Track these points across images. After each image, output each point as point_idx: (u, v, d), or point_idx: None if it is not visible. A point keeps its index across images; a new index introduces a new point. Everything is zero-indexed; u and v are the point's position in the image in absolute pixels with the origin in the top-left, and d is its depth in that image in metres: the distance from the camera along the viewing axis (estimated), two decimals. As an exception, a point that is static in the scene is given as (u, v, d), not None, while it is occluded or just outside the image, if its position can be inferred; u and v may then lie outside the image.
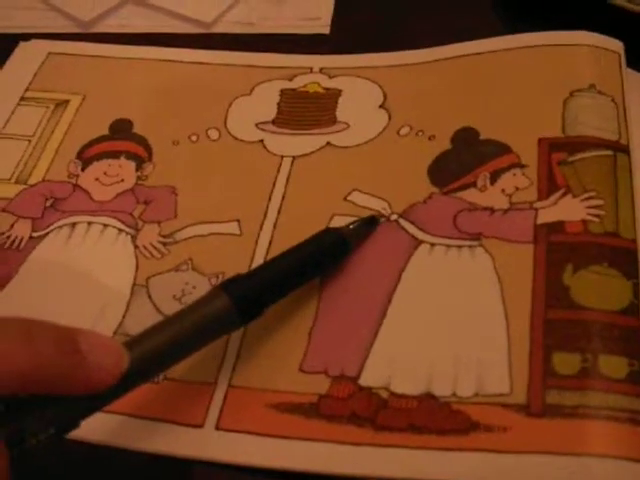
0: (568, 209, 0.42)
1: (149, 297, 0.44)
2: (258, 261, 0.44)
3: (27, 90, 0.55)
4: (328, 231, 0.44)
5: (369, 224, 0.45)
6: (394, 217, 0.45)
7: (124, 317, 0.43)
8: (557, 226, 0.42)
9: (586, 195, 0.42)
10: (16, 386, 0.31)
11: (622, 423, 0.35)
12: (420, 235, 0.44)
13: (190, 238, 0.46)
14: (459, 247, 0.43)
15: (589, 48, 0.49)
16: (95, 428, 0.39)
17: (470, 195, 0.45)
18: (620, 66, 0.48)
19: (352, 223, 0.44)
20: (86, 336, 0.33)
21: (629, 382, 0.37)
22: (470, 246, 0.43)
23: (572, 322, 0.38)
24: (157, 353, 0.35)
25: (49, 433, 0.32)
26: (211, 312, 0.37)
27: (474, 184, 0.45)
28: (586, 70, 0.48)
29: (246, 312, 0.38)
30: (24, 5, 0.61)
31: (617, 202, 0.42)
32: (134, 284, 0.45)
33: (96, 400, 0.33)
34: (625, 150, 0.45)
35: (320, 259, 0.43)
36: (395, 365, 0.39)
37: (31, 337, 0.31)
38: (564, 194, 0.43)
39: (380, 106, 0.51)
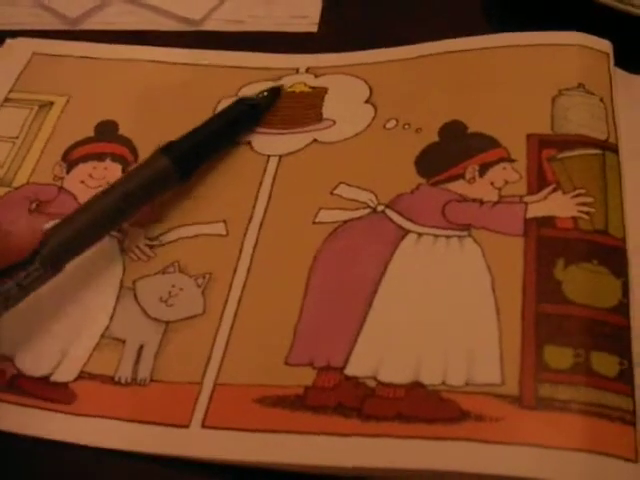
0: (558, 205, 0.42)
1: (136, 300, 0.44)
2: (245, 259, 0.44)
3: (11, 91, 0.54)
4: (240, 100, 0.51)
5: (275, 93, 0.52)
6: (380, 208, 0.45)
7: (111, 320, 0.43)
8: (547, 221, 0.42)
9: (576, 192, 0.42)
10: None
11: (611, 421, 0.35)
12: (407, 225, 0.44)
13: (176, 240, 0.46)
14: (447, 237, 0.43)
15: (578, 48, 0.49)
16: (83, 432, 0.39)
17: (458, 187, 0.45)
18: (608, 66, 0.48)
19: (260, 92, 0.51)
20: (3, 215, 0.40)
21: (619, 381, 0.37)
22: (459, 236, 0.43)
23: (564, 317, 0.38)
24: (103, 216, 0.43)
25: None
26: (154, 172, 0.45)
27: (462, 176, 0.45)
28: (574, 69, 0.48)
29: (183, 170, 0.46)
30: (9, 1, 0.61)
31: (606, 201, 0.42)
32: (121, 287, 0.44)
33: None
34: (614, 149, 0.45)
35: (237, 123, 0.50)
36: (382, 354, 0.39)
37: None
38: (554, 190, 0.43)
39: (366, 101, 0.51)
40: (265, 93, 0.52)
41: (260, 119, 0.51)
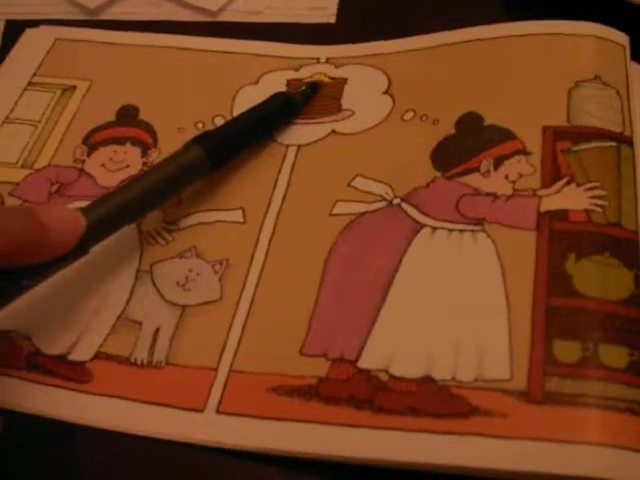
0: (571, 198, 0.42)
1: (153, 283, 0.44)
2: (262, 248, 0.45)
3: (34, 75, 0.55)
4: (278, 94, 0.51)
5: (313, 89, 0.52)
6: (396, 201, 0.45)
7: (127, 303, 0.44)
8: (560, 214, 0.42)
9: (590, 185, 0.42)
10: None
11: (621, 413, 0.35)
12: (422, 219, 0.44)
13: (195, 225, 0.46)
14: (461, 231, 0.43)
15: (594, 39, 0.49)
16: (97, 413, 0.40)
17: (473, 180, 0.45)
18: (625, 59, 0.48)
19: (298, 87, 0.52)
20: (45, 209, 0.39)
21: (629, 372, 0.37)
22: (472, 231, 0.43)
23: (574, 310, 0.38)
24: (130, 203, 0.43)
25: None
26: (187, 162, 0.45)
27: (477, 169, 0.45)
28: (591, 61, 0.48)
29: (215, 160, 0.46)
30: (30, -8, 0.62)
31: (620, 193, 0.42)
32: (138, 270, 0.45)
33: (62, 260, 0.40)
34: (629, 142, 0.45)
35: (272, 118, 0.50)
36: (395, 348, 0.40)
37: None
38: (568, 182, 0.43)
39: (385, 92, 0.51)
40: (303, 87, 0.52)
41: (296, 114, 0.51)
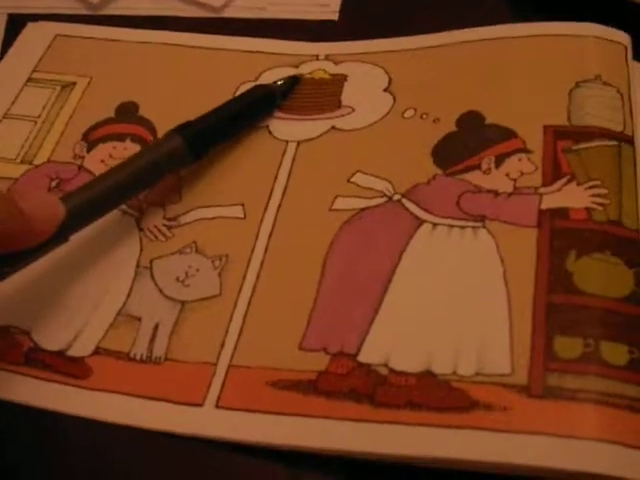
0: (572, 196, 0.42)
1: (152, 279, 0.44)
2: (261, 243, 0.45)
3: (34, 71, 0.55)
4: (258, 87, 0.52)
5: (293, 81, 0.52)
6: (397, 197, 0.45)
7: (127, 298, 0.44)
8: (561, 212, 0.42)
9: (590, 183, 0.43)
10: None
11: (621, 409, 0.35)
12: (422, 215, 0.44)
13: (194, 221, 0.46)
14: (462, 228, 0.43)
15: (595, 39, 0.49)
16: (97, 408, 0.40)
17: (474, 177, 0.45)
18: (626, 58, 0.49)
19: (278, 80, 0.52)
20: (23, 195, 0.38)
21: (629, 369, 0.37)
22: (473, 227, 0.43)
23: (575, 307, 0.38)
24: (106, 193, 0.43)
25: None
26: (167, 150, 0.46)
27: (478, 167, 0.45)
28: (592, 61, 0.48)
29: (195, 149, 0.47)
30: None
31: (621, 192, 0.42)
32: (138, 266, 0.45)
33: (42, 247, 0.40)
34: (630, 141, 0.45)
35: (253, 109, 0.51)
36: (395, 342, 0.40)
37: None
38: (569, 181, 0.43)
39: (385, 90, 0.51)
40: (282, 81, 0.52)
41: (276, 106, 0.51)
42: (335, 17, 0.58)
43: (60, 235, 0.40)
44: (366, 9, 0.58)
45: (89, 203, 0.42)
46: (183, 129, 0.46)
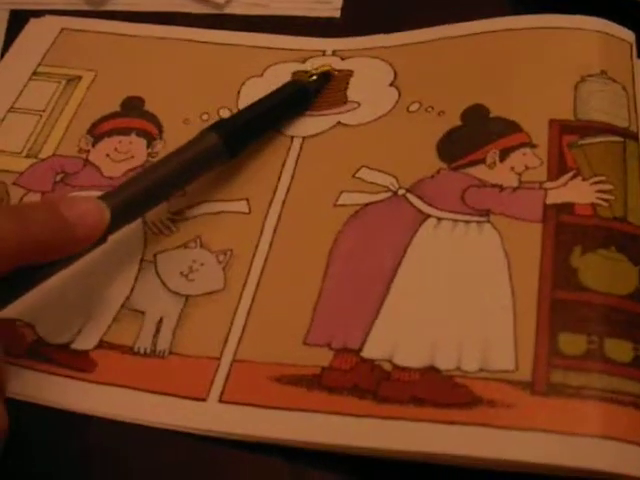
0: (578, 191, 0.42)
1: (157, 273, 0.44)
2: (266, 238, 0.44)
3: (39, 65, 0.55)
4: (290, 83, 0.51)
5: (325, 77, 0.52)
6: (401, 192, 0.45)
7: (131, 292, 0.44)
8: (566, 207, 0.42)
9: (596, 179, 0.43)
10: (15, 261, 0.36)
11: (624, 406, 0.35)
12: (427, 209, 0.44)
13: (199, 216, 0.46)
14: (467, 222, 0.43)
15: (601, 34, 0.49)
16: (100, 402, 0.40)
17: (479, 171, 0.45)
18: (631, 56, 0.48)
19: (311, 76, 0.52)
20: (67, 202, 0.39)
21: (633, 366, 0.37)
22: (478, 222, 0.43)
23: (579, 303, 0.38)
24: (143, 194, 0.43)
25: None
26: (203, 148, 0.45)
27: (483, 161, 0.45)
28: (598, 56, 0.48)
29: (231, 147, 0.46)
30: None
31: (626, 188, 0.42)
32: (142, 260, 0.45)
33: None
34: (634, 137, 0.45)
35: (286, 105, 0.50)
36: (399, 338, 0.40)
37: (22, 217, 0.37)
38: (574, 176, 0.43)
39: (390, 84, 0.51)
40: (315, 77, 0.52)
41: (310, 102, 0.51)
42: (337, 14, 0.58)
43: (101, 238, 0.41)
44: (367, 5, 0.58)
45: (130, 204, 0.42)
46: (218, 127, 0.46)
